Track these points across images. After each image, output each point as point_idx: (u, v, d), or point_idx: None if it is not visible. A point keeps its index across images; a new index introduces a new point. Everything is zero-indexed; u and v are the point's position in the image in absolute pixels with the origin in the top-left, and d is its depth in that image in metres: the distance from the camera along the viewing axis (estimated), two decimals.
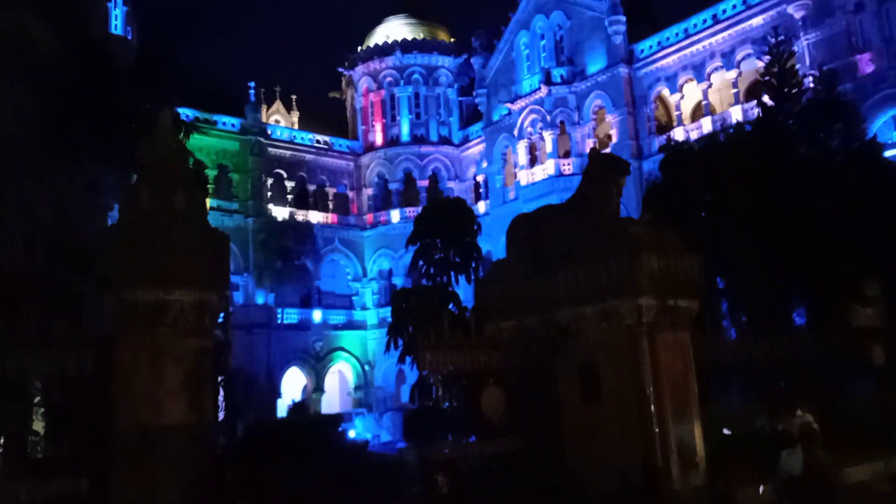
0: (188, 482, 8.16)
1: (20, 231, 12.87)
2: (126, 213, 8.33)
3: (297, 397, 41.13)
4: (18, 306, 7.25)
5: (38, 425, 9.31)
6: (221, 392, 9.50)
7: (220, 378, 9.40)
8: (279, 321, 43.42)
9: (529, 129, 41.62)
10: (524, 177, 41.44)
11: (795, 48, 29.32)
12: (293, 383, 44.11)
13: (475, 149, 48.70)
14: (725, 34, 34.95)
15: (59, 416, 8.75)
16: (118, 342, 7.87)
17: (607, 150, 36.49)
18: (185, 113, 39.28)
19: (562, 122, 40.38)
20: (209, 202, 41.44)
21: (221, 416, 9.85)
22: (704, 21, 35.95)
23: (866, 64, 29.80)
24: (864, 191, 18.11)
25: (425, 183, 48.77)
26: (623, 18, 38.61)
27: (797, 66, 26.65)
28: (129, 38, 30.36)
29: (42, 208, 13.20)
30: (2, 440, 8.20)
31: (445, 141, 50.04)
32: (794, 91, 22.21)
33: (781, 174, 18.38)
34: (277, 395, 41.13)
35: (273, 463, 18.18)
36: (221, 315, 9.45)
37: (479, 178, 48.67)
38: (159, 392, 7.87)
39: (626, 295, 10.66)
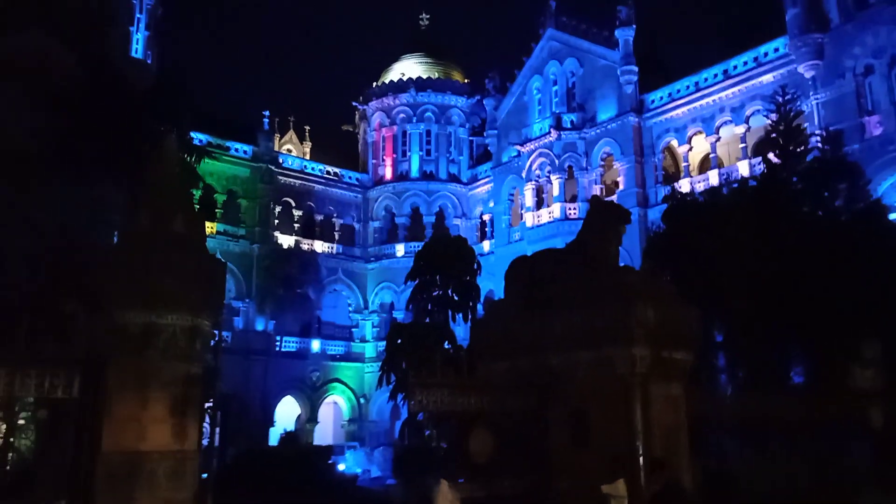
0: None
1: (24, 248, 12.93)
2: (125, 234, 8.39)
3: (291, 426, 40.82)
4: (11, 324, 7.26)
5: (23, 443, 9.26)
6: (207, 418, 9.45)
7: (207, 404, 9.35)
8: (277, 348, 43.34)
9: (537, 171, 41.93)
10: (530, 218, 41.61)
11: (804, 107, 29.60)
12: (287, 412, 43.80)
13: (483, 188, 49.05)
14: (735, 90, 35.35)
15: (44, 436, 8.69)
16: (106, 364, 7.87)
17: (613, 197, 36.73)
18: (199, 138, 39.79)
19: (570, 167, 40.69)
20: (216, 227, 41.89)
21: (206, 442, 9.77)
22: (715, 76, 36.41)
23: (874, 126, 30.01)
24: (867, 251, 18.08)
25: (432, 219, 49.06)
26: (635, 69, 39.15)
27: (806, 125, 26.83)
28: (149, 62, 30.95)
29: (47, 225, 13.30)
30: None
31: (454, 179, 50.46)
32: (799, 149, 22.33)
33: (784, 231, 18.39)
34: (271, 423, 40.81)
35: (260, 492, 18.00)
36: (213, 341, 9.47)
37: (486, 217, 48.92)
38: (144, 416, 7.83)
39: (619, 343, 10.60)
